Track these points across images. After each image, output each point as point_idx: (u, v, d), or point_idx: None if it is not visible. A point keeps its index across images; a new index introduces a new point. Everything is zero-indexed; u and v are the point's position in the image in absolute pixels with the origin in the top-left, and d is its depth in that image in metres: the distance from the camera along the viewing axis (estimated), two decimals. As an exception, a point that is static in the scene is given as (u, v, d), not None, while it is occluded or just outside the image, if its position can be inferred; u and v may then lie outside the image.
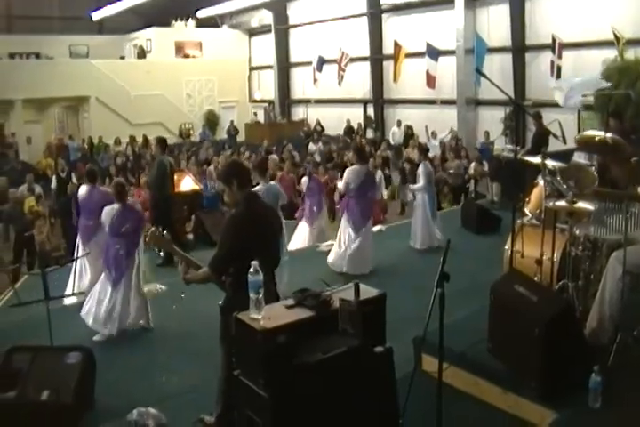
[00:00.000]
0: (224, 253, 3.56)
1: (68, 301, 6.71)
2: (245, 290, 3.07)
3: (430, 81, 17.66)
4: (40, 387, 4.47)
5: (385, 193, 10.59)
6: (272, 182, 7.19)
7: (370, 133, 19.99)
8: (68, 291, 6.93)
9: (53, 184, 12.84)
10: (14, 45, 23.24)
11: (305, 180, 9.37)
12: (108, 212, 6.11)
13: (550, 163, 4.91)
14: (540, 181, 5.12)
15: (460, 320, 4.47)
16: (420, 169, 8.62)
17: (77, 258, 5.82)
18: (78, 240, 7.31)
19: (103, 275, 6.10)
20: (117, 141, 19.89)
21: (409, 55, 18.33)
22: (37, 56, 23.28)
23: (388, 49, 19.55)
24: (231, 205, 3.80)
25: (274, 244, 3.80)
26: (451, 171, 13.02)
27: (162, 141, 8.93)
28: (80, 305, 6.10)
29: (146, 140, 20.28)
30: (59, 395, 4.41)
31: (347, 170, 7.77)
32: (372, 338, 3.11)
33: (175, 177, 10.23)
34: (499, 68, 15.78)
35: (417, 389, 3.21)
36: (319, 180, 9.70)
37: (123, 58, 25.34)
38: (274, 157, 13.08)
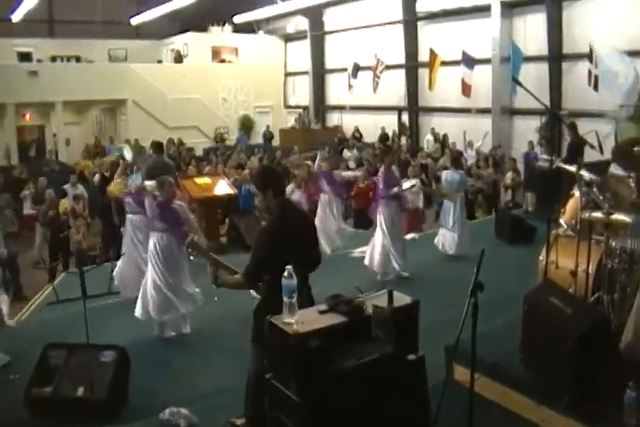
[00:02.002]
0: (256, 262, 3.60)
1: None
2: (280, 295, 3.10)
3: (466, 89, 17.56)
4: (75, 383, 4.59)
5: (421, 202, 10.67)
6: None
7: (403, 141, 19.97)
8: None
9: (96, 179, 13.03)
10: (56, 49, 23.74)
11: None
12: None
13: (586, 174, 4.88)
14: (576, 192, 5.08)
15: (492, 330, 4.44)
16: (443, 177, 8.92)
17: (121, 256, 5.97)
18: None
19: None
20: (153, 144, 20.17)
21: (444, 63, 18.24)
22: (78, 59, 23.71)
23: (423, 56, 19.47)
24: (262, 210, 3.85)
25: (309, 248, 3.83)
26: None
27: (157, 144, 9.67)
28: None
29: (181, 143, 20.56)
30: (93, 392, 4.52)
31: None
32: (404, 345, 3.11)
33: (210, 181, 10.40)
34: (535, 77, 15.61)
35: (448, 398, 3.21)
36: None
37: (160, 62, 25.67)
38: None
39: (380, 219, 7.74)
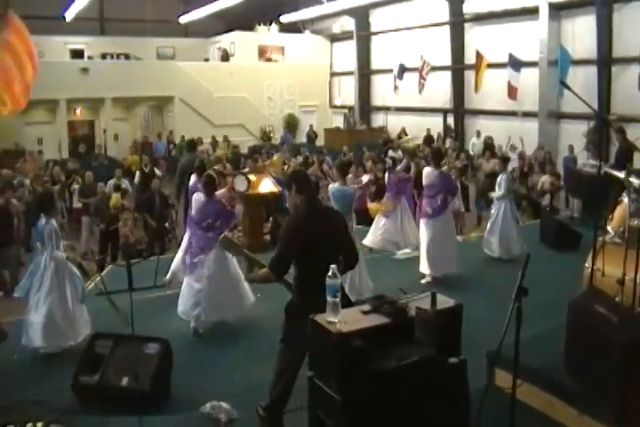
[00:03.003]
0: (280, 252, 3.70)
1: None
2: (309, 293, 3.13)
3: (512, 92, 17.35)
4: (120, 373, 4.70)
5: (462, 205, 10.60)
6: (351, 185, 7.30)
7: (448, 143, 19.80)
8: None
9: (137, 179, 13.27)
10: (106, 46, 24.33)
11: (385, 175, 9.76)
12: (197, 200, 6.29)
13: (636, 180, 4.79)
14: (625, 199, 4.99)
15: (535, 336, 4.39)
16: (501, 178, 8.75)
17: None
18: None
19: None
20: (199, 141, 20.40)
21: (491, 65, 18.04)
22: (127, 57, 24.17)
23: (469, 59, 19.29)
24: (291, 208, 3.94)
25: (338, 245, 3.85)
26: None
27: (189, 142, 10.14)
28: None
29: (226, 140, 20.79)
30: (137, 382, 4.62)
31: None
32: (446, 348, 3.11)
33: (254, 178, 10.47)
34: (583, 80, 15.25)
35: (489, 404, 3.18)
36: (398, 176, 9.54)
37: (207, 60, 25.98)
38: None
39: (426, 220, 7.70)
